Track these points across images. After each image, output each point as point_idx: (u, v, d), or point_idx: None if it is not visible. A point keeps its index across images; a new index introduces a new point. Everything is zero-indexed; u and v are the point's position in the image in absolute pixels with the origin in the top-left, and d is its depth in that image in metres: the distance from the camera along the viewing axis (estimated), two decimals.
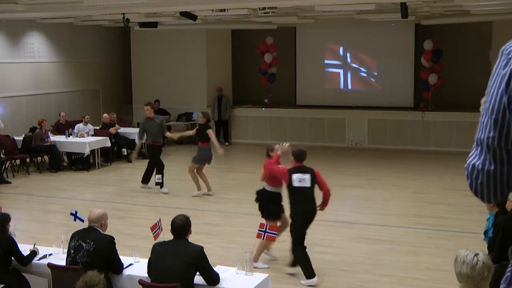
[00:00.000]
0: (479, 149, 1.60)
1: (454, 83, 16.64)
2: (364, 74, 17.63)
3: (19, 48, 15.87)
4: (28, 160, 13.84)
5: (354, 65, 17.66)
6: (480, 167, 1.59)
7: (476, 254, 3.41)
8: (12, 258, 5.71)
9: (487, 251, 5.68)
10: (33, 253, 5.82)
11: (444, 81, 16.07)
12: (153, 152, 11.71)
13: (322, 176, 6.99)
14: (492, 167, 1.57)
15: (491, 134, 1.55)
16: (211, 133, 10.78)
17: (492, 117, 1.55)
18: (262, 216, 7.28)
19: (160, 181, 11.38)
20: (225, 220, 9.70)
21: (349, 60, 17.73)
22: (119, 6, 10.83)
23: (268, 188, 7.31)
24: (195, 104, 17.86)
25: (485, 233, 5.78)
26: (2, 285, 5.45)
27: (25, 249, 5.86)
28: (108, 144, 14.26)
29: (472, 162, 1.61)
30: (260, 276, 5.30)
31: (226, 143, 17.64)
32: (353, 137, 16.61)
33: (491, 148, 1.56)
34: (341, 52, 17.79)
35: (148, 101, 12.27)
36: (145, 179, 11.85)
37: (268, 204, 7.31)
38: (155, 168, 11.55)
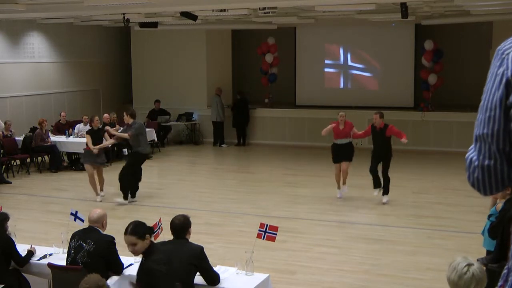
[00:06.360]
0: (476, 144, 1.67)
1: (454, 83, 16.63)
2: (364, 74, 17.64)
3: (19, 48, 15.87)
4: (28, 160, 13.85)
5: (354, 65, 17.66)
6: (476, 162, 1.65)
7: (469, 265, 3.26)
8: None
9: (485, 252, 5.67)
10: (30, 253, 5.79)
11: (444, 81, 16.06)
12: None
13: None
14: (487, 162, 1.63)
15: (485, 131, 1.62)
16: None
17: (486, 114, 1.62)
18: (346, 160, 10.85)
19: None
20: (225, 220, 9.70)
21: (349, 60, 17.73)
22: (119, 6, 10.83)
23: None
24: (195, 104, 17.86)
25: (489, 229, 5.69)
26: (2, 285, 5.45)
27: (23, 249, 5.85)
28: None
29: (470, 156, 1.68)
30: (260, 276, 5.29)
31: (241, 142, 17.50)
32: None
33: (486, 145, 1.62)
34: (341, 52, 17.79)
35: (129, 107, 11.86)
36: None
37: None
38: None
